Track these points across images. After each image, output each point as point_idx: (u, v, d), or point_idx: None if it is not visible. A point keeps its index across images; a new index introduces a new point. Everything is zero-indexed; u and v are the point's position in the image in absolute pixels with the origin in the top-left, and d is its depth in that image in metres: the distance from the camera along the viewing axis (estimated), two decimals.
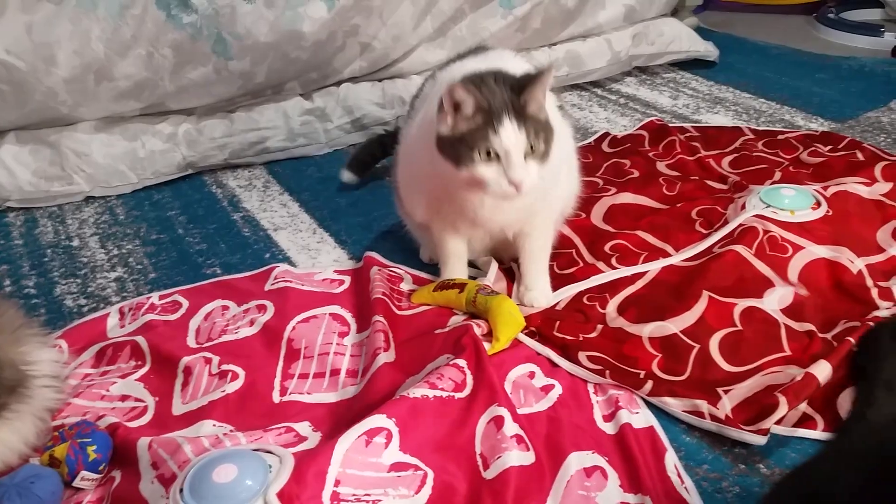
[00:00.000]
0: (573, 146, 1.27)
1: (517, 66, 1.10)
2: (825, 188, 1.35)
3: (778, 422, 0.92)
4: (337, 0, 1.74)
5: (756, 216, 1.28)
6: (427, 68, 1.80)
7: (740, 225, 1.27)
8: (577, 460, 0.92)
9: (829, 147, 1.61)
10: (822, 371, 0.96)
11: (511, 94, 1.01)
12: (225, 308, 1.25)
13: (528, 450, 0.92)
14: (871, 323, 1.03)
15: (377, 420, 0.92)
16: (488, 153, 1.00)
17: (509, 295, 1.22)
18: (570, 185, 1.26)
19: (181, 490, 0.82)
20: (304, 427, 0.97)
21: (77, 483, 0.92)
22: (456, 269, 1.26)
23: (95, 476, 0.93)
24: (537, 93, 1.01)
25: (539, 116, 1.03)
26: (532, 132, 1.01)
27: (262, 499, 0.80)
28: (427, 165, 1.09)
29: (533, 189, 1.03)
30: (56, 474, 0.91)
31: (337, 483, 0.85)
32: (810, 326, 1.08)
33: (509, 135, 0.99)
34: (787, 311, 1.12)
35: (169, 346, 1.14)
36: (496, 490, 0.87)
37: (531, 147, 1.01)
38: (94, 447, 0.93)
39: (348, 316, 1.22)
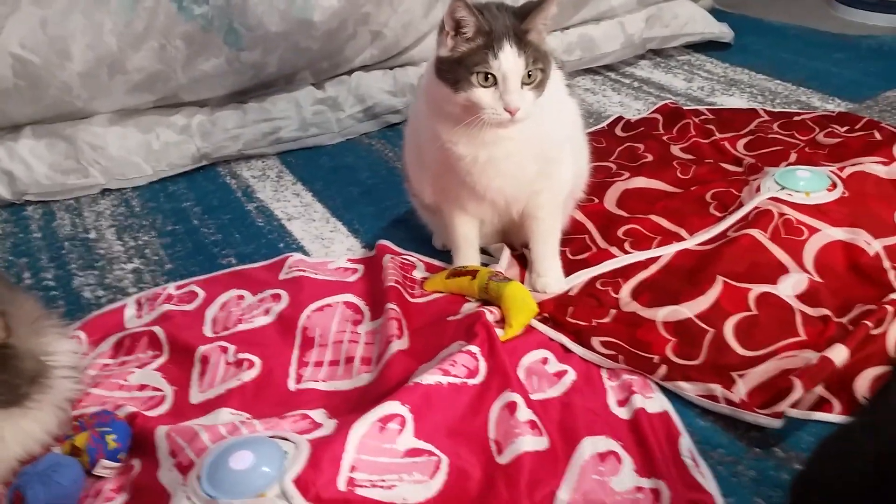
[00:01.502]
0: (580, 124, 1.26)
1: None
2: (841, 169, 1.33)
3: (793, 405, 0.92)
4: None
5: (771, 199, 1.27)
6: None
7: (755, 208, 1.26)
8: (591, 445, 0.92)
9: (846, 128, 1.59)
10: (839, 355, 0.95)
11: (513, 20, 1.02)
12: (240, 298, 1.27)
13: (542, 435, 0.93)
14: (888, 307, 1.01)
15: (391, 406, 0.93)
16: (486, 77, 1.01)
17: (521, 281, 1.22)
18: (577, 164, 1.25)
19: (199, 477, 0.83)
20: (319, 414, 0.98)
21: (97, 471, 0.93)
22: (468, 255, 1.26)
23: (115, 464, 0.94)
24: (539, 20, 1.02)
25: (539, 45, 1.03)
26: (531, 59, 1.01)
27: (279, 485, 0.81)
28: (429, 131, 1.11)
29: (526, 116, 1.03)
30: (77, 463, 0.93)
31: (353, 469, 0.86)
32: (826, 311, 1.07)
33: (508, 59, 0.99)
34: (802, 297, 1.11)
35: (186, 335, 1.16)
36: (510, 475, 0.88)
37: (528, 74, 1.02)
38: (114, 436, 0.95)
39: (362, 304, 1.22)
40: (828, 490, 0.64)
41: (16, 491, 0.89)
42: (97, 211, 1.62)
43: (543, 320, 1.14)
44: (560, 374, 1.04)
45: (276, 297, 1.25)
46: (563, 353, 1.08)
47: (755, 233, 1.20)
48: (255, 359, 1.10)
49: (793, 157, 1.48)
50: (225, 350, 1.12)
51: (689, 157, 1.55)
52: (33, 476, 0.90)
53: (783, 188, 1.29)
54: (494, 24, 1.01)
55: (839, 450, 0.68)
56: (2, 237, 1.55)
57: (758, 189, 1.32)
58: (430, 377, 0.98)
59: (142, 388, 1.08)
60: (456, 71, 1.02)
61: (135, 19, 1.64)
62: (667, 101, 1.82)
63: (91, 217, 1.60)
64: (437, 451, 0.91)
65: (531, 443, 0.91)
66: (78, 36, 1.61)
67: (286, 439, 0.89)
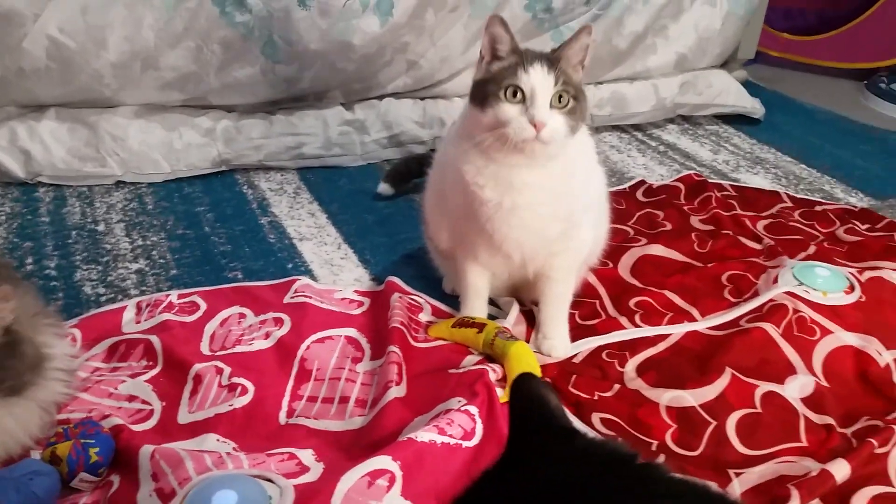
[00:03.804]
0: (605, 194, 1.25)
1: None
2: (860, 272, 1.32)
3: None
4: (391, 16, 1.73)
5: (787, 293, 1.26)
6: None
7: (770, 300, 1.25)
8: None
9: (867, 226, 1.58)
10: (840, 470, 0.93)
11: (547, 52, 1.04)
12: (242, 316, 1.25)
13: None
14: (895, 426, 1.00)
15: (382, 461, 0.91)
16: (514, 92, 1.01)
17: (527, 340, 1.21)
18: (598, 230, 1.24)
19: None
20: (307, 455, 0.96)
21: (75, 483, 0.92)
22: (476, 306, 1.24)
23: (94, 479, 0.92)
24: (571, 51, 1.03)
25: (572, 75, 1.04)
26: (562, 81, 1.01)
27: None
28: (455, 174, 1.10)
29: (552, 139, 1.01)
30: (55, 472, 0.91)
31: None
32: (830, 420, 1.05)
33: (537, 74, 1.00)
34: (807, 401, 1.09)
35: (182, 350, 1.14)
36: None
37: (559, 98, 1.01)
38: (97, 449, 0.93)
39: (363, 341, 1.21)
40: None
41: None
42: (109, 203, 1.61)
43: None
44: None
45: (279, 322, 1.23)
46: None
47: (768, 327, 1.19)
48: (249, 385, 1.08)
49: (811, 248, 1.47)
50: (220, 371, 1.10)
51: (709, 228, 1.54)
52: (9, 481, 0.87)
53: (801, 283, 1.28)
54: (529, 48, 1.04)
55: None
56: (10, 216, 1.54)
57: (775, 280, 1.31)
58: (424, 434, 0.96)
59: (131, 399, 1.06)
60: (485, 89, 1.03)
61: (175, 18, 1.64)
62: (691, 172, 1.81)
63: (102, 208, 1.59)
64: None
65: None
66: (117, 27, 1.61)
67: (271, 481, 0.87)
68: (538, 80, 1.00)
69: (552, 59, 1.02)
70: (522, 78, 1.00)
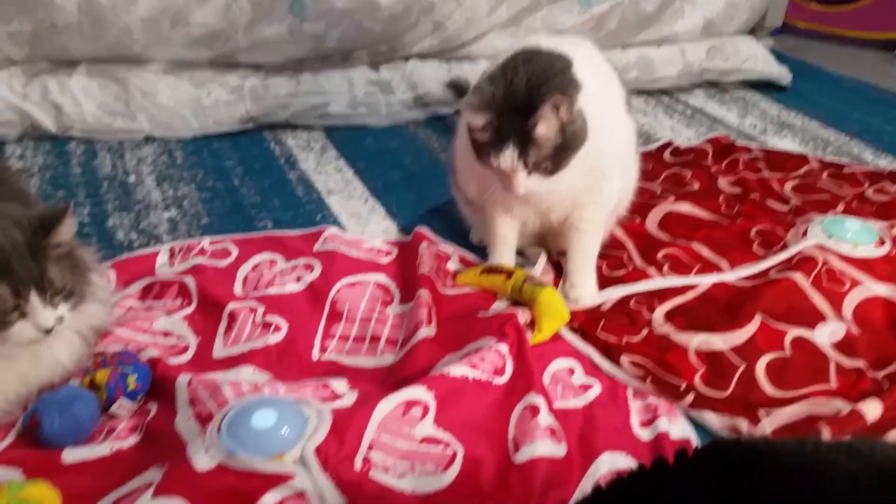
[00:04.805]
0: (633, 143, 1.25)
1: (587, 65, 1.09)
2: (891, 227, 1.31)
3: None
4: None
5: (816, 245, 1.26)
6: (495, 53, 1.79)
7: (799, 252, 1.25)
8: (610, 460, 0.91)
9: None
10: (873, 409, 0.94)
11: (521, 119, 1.00)
12: (273, 262, 1.26)
13: (560, 442, 0.92)
14: None
15: (416, 391, 0.92)
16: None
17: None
18: (626, 179, 1.24)
19: (218, 429, 0.82)
20: (341, 385, 0.97)
21: (113, 410, 0.93)
22: (504, 255, 1.25)
23: (132, 405, 0.94)
24: (548, 111, 0.99)
25: (548, 138, 1.01)
26: (535, 155, 1.02)
27: (299, 450, 0.80)
28: None
29: (533, 194, 1.07)
30: (95, 398, 0.92)
31: (370, 447, 0.85)
32: (860, 364, 1.05)
33: (507, 159, 1.02)
34: (837, 346, 1.09)
35: (216, 290, 1.15)
36: (524, 475, 0.87)
37: (535, 165, 1.03)
38: (135, 377, 0.95)
39: (393, 286, 1.22)
40: None
41: (32, 416, 0.89)
42: (139, 157, 1.63)
43: (573, 331, 1.13)
44: (585, 387, 1.03)
45: (309, 267, 1.24)
46: (591, 367, 1.07)
47: (798, 277, 1.19)
48: (283, 323, 1.10)
49: (840, 207, 1.46)
50: (253, 310, 1.12)
51: (736, 191, 1.54)
52: (52, 404, 0.89)
53: (830, 236, 1.28)
54: (502, 121, 1.01)
55: None
56: (43, 168, 1.56)
57: (804, 234, 1.31)
58: (457, 369, 0.97)
59: (166, 334, 1.08)
60: (475, 145, 1.08)
61: None
62: (719, 134, 1.80)
63: (132, 161, 1.60)
64: (453, 443, 0.90)
65: (549, 448, 0.90)
66: None
67: (308, 406, 0.88)
68: (507, 164, 1.02)
69: (525, 135, 1.00)
70: (495, 161, 1.03)
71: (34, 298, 0.87)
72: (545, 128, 1.00)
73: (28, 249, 0.87)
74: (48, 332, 0.88)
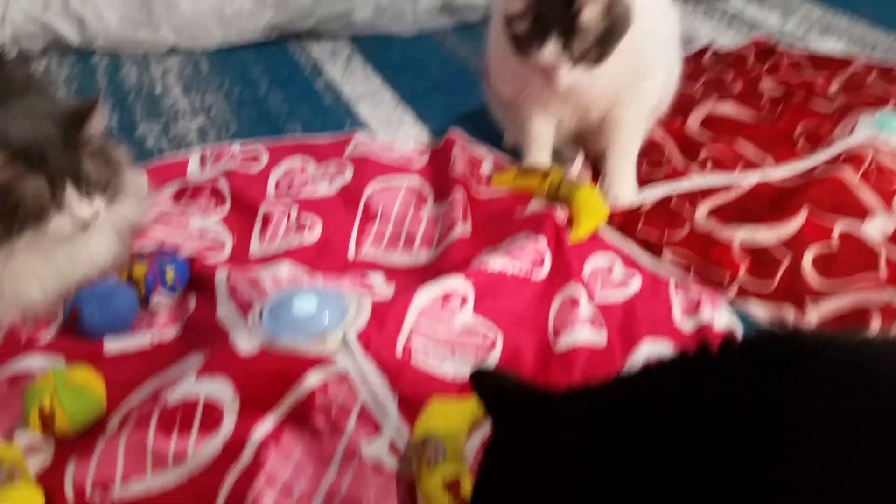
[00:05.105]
0: (677, 38, 1.20)
1: None
2: None
3: None
4: None
5: (865, 141, 1.21)
6: None
7: (847, 149, 1.20)
8: (651, 348, 0.90)
9: None
10: None
11: (563, 5, 0.96)
12: (304, 167, 1.24)
13: (601, 331, 0.90)
14: None
15: (455, 282, 0.91)
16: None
17: None
18: (668, 74, 1.20)
19: (260, 315, 0.82)
20: (378, 279, 0.97)
21: (152, 304, 0.93)
22: (540, 155, 1.22)
23: (171, 299, 0.94)
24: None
25: (593, 25, 0.97)
26: (580, 45, 0.97)
27: (341, 334, 0.80)
28: None
29: (574, 89, 1.04)
30: (134, 291, 0.92)
31: (410, 334, 0.85)
32: None
33: (550, 51, 0.98)
34: (889, 240, 1.06)
35: (249, 193, 1.14)
36: (565, 364, 0.86)
37: (580, 57, 0.99)
38: (173, 271, 0.94)
39: (426, 189, 1.19)
40: None
41: (73, 308, 0.89)
42: (165, 68, 1.60)
43: (612, 229, 1.10)
44: (625, 282, 1.01)
45: (340, 171, 1.22)
46: (630, 263, 1.05)
47: (845, 172, 1.15)
48: (317, 224, 1.09)
49: (890, 105, 1.40)
50: (287, 212, 1.11)
51: (779, 92, 1.48)
52: (91, 296, 0.90)
53: (880, 132, 1.23)
54: (545, 8, 0.97)
55: None
56: (68, 80, 1.54)
57: (852, 130, 1.26)
58: (496, 262, 0.96)
59: (202, 234, 1.08)
60: (513, 39, 1.03)
61: None
62: (760, 36, 1.73)
63: (158, 72, 1.58)
64: (492, 332, 0.89)
65: (589, 335, 0.89)
66: None
67: (348, 295, 0.87)
68: (551, 58, 0.99)
69: (569, 21, 0.96)
70: (538, 55, 0.99)
71: (70, 191, 0.86)
72: (590, 12, 0.95)
73: (62, 143, 0.86)
74: (86, 226, 0.88)
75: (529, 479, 0.49)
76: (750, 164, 1.23)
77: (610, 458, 0.47)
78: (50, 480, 0.72)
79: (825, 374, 0.45)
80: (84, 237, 0.90)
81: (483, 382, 0.56)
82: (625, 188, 1.17)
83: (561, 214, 1.08)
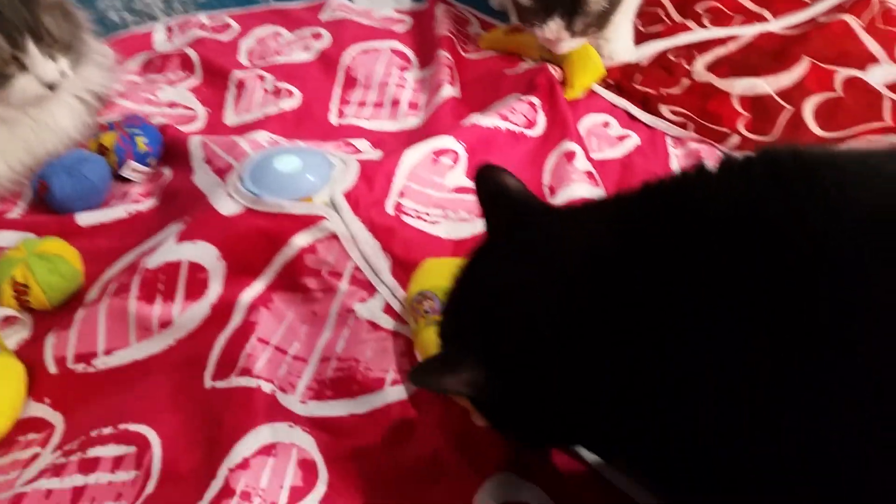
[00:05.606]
0: None
1: None
2: None
3: None
4: None
5: None
6: None
7: None
8: None
9: None
10: None
11: None
12: (277, 34, 1.17)
13: (598, 186, 0.87)
14: None
15: (446, 141, 0.86)
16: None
17: None
18: None
19: (241, 177, 0.77)
20: (362, 143, 0.92)
21: (125, 173, 0.89)
22: None
23: (144, 168, 0.89)
24: None
25: (596, 6, 0.96)
26: (582, 21, 0.97)
27: (327, 193, 0.75)
28: None
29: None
30: (104, 160, 0.87)
31: (401, 194, 0.81)
32: None
33: (552, 30, 0.97)
34: (892, 87, 1.01)
35: (220, 60, 1.08)
36: None
37: (581, 32, 0.98)
38: (144, 139, 0.89)
39: (410, 53, 1.13)
40: None
41: (41, 181, 0.84)
42: None
43: (608, 87, 1.05)
44: (622, 138, 0.97)
45: (317, 36, 1.15)
46: (628, 120, 1.01)
47: (849, 18, 1.09)
48: (295, 90, 1.03)
49: None
50: (262, 78, 1.04)
51: None
52: (59, 167, 0.85)
53: None
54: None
55: None
56: None
57: None
58: (487, 120, 0.91)
59: (172, 105, 1.01)
60: None
61: None
62: None
63: None
64: None
65: (586, 190, 0.85)
66: None
67: (333, 155, 0.83)
68: (552, 35, 0.98)
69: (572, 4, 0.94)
70: (540, 31, 0.98)
71: (32, 48, 0.79)
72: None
73: None
74: (52, 87, 0.82)
75: (517, 284, 0.48)
76: (750, 16, 1.16)
77: (621, 269, 0.44)
78: (30, 352, 0.69)
79: (835, 182, 0.42)
80: (49, 107, 0.85)
81: (486, 182, 0.54)
82: (621, 44, 1.11)
83: (554, 72, 1.02)
